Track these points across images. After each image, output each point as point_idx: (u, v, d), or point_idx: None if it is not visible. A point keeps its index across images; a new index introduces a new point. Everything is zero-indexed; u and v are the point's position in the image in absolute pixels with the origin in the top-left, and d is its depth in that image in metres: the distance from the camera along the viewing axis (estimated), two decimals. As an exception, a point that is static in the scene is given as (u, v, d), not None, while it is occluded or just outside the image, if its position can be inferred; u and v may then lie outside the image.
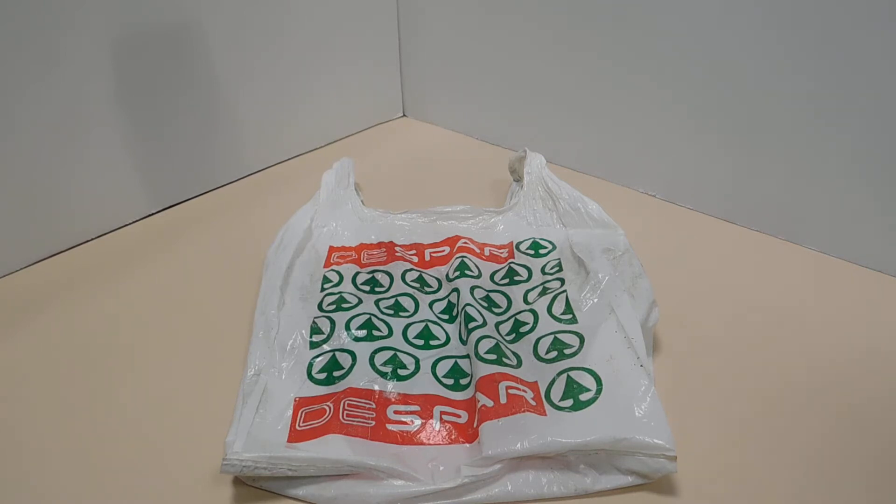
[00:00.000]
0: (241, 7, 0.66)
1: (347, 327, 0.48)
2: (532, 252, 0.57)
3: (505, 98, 0.78)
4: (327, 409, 0.42)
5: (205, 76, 0.66)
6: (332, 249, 0.58)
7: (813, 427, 0.43)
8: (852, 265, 0.59)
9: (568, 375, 0.42)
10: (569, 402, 0.40)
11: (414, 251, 0.58)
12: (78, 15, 0.55)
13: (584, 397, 0.40)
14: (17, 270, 0.58)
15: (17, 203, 0.57)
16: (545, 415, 0.40)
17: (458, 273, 0.54)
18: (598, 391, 0.41)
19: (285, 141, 0.77)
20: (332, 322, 0.49)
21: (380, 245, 0.59)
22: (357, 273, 0.55)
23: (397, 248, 0.58)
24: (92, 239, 0.63)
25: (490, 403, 0.40)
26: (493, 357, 0.44)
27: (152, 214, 0.67)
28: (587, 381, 0.42)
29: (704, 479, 0.39)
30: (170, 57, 0.63)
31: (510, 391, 0.41)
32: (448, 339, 0.48)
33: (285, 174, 0.75)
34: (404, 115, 0.89)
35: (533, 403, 0.41)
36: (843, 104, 0.54)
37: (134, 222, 0.65)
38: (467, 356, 0.46)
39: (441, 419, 0.42)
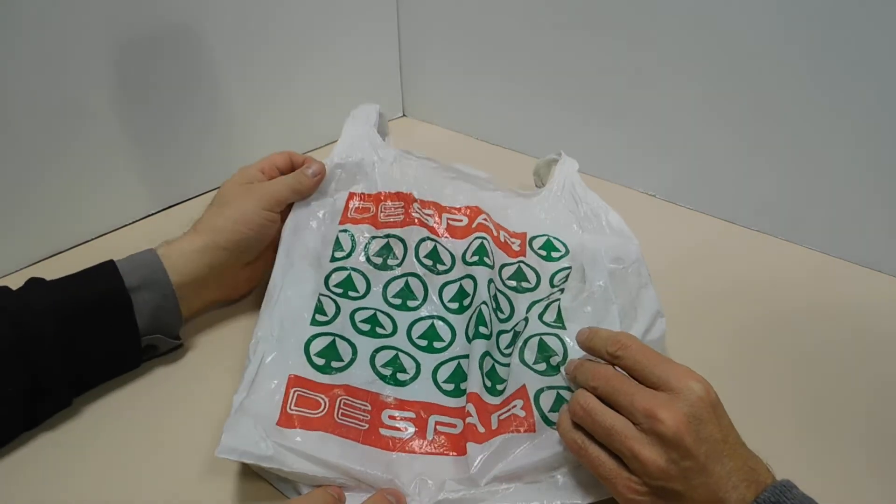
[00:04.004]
0: (242, 8, 0.66)
1: (352, 318, 0.47)
2: (544, 253, 0.55)
3: (505, 98, 0.78)
4: (322, 402, 0.41)
5: (205, 77, 0.66)
6: (351, 196, 0.55)
7: (816, 427, 0.43)
8: (852, 265, 0.59)
9: (558, 393, 0.42)
10: (557, 416, 0.40)
11: (432, 210, 0.55)
12: (80, 15, 0.55)
13: None
14: (18, 270, 0.58)
15: (16, 203, 0.57)
16: (534, 430, 0.40)
17: (476, 258, 0.52)
18: None
19: (285, 141, 0.77)
20: (338, 307, 0.48)
21: (398, 196, 0.56)
22: (372, 238, 0.52)
23: (415, 205, 0.55)
24: (93, 238, 0.63)
25: (482, 430, 0.40)
26: (489, 384, 0.44)
27: (152, 214, 0.67)
28: None
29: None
30: (169, 57, 0.62)
31: (501, 417, 0.41)
32: (453, 339, 0.47)
33: (285, 174, 0.75)
34: (404, 115, 0.89)
35: (522, 413, 0.40)
36: (844, 105, 0.54)
37: (134, 222, 0.65)
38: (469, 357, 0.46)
39: (435, 429, 0.41)
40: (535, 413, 0.41)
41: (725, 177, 0.64)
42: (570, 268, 0.53)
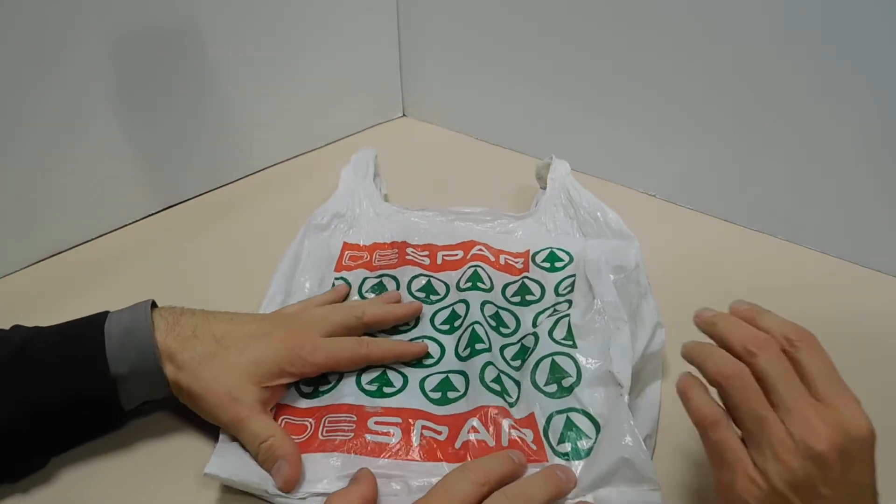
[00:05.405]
0: (242, 8, 0.66)
1: None
2: (548, 265, 0.55)
3: (505, 98, 0.78)
4: (308, 425, 0.41)
5: (205, 77, 0.66)
6: (345, 246, 0.57)
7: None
8: (852, 265, 0.59)
9: (568, 417, 0.41)
10: (566, 447, 0.40)
11: (426, 252, 0.57)
12: (80, 15, 0.55)
13: (582, 445, 0.39)
14: (19, 269, 0.58)
15: (17, 203, 0.57)
16: (546, 461, 0.39)
17: (469, 284, 0.52)
18: (597, 439, 0.40)
19: (285, 141, 0.77)
20: None
21: (392, 245, 0.57)
22: (365, 279, 0.54)
23: (409, 249, 0.56)
24: (93, 238, 0.63)
25: (492, 443, 0.40)
26: (497, 388, 0.43)
27: (152, 214, 0.67)
28: (585, 425, 0.41)
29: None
30: (169, 58, 0.62)
31: (512, 433, 0.40)
32: (442, 356, 0.47)
33: (286, 174, 0.75)
34: (404, 115, 0.89)
35: (534, 447, 0.40)
36: (844, 105, 0.54)
37: (134, 222, 0.65)
38: (460, 372, 0.45)
39: (421, 434, 0.41)
40: (546, 446, 0.40)
41: (725, 177, 0.64)
42: (574, 276, 0.52)
